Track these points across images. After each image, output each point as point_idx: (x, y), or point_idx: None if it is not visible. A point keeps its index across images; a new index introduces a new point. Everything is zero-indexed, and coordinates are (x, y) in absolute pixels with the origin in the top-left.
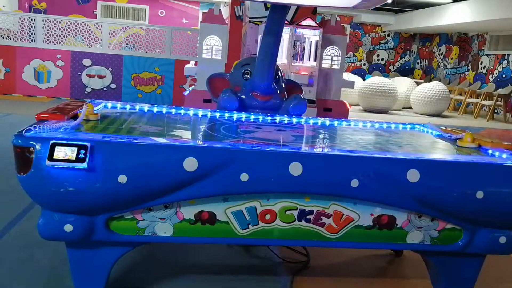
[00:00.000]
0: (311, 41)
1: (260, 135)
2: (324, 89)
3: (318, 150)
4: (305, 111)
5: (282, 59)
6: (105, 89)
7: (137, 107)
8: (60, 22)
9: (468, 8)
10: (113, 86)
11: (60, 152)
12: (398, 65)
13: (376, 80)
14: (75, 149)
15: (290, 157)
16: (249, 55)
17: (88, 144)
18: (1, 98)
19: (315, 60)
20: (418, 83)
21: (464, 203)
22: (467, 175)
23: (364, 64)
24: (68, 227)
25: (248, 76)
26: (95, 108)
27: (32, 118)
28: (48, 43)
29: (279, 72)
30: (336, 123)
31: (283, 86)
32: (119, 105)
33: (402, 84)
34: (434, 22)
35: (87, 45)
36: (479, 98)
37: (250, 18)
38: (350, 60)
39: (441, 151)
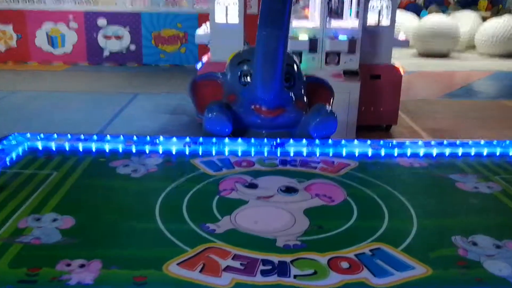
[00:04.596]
0: None
1: (248, 215)
2: (371, 52)
3: None
4: (334, 131)
5: (314, 19)
6: (124, 51)
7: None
8: None
9: None
10: (132, 47)
11: None
12: None
13: (434, 20)
14: None
15: None
16: None
17: None
18: (15, 68)
19: (357, 16)
20: (484, 19)
21: None
22: None
23: None
24: None
25: (248, 80)
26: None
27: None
28: (58, 3)
29: (295, 66)
30: (383, 151)
31: (302, 89)
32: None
33: (465, 21)
34: None
35: None
36: None
37: None
38: None
39: None
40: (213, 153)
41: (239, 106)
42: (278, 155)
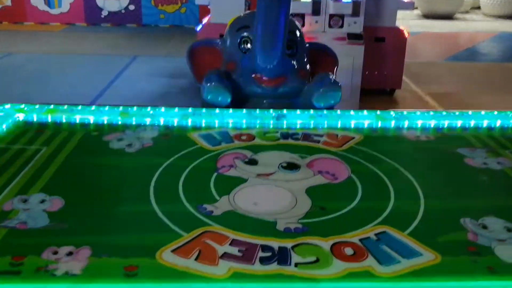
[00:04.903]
0: None
1: (247, 195)
2: (375, 14)
3: None
4: (338, 101)
5: None
6: (123, 11)
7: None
8: None
9: None
10: (131, 7)
11: None
12: None
13: None
14: None
15: None
16: None
17: None
18: (10, 29)
19: None
20: None
21: None
22: None
23: None
24: None
25: (249, 46)
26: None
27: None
28: None
29: (297, 31)
30: (392, 123)
31: (305, 57)
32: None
33: None
34: None
35: None
36: None
37: None
38: None
39: None
40: (212, 125)
41: (239, 75)
42: (279, 127)
